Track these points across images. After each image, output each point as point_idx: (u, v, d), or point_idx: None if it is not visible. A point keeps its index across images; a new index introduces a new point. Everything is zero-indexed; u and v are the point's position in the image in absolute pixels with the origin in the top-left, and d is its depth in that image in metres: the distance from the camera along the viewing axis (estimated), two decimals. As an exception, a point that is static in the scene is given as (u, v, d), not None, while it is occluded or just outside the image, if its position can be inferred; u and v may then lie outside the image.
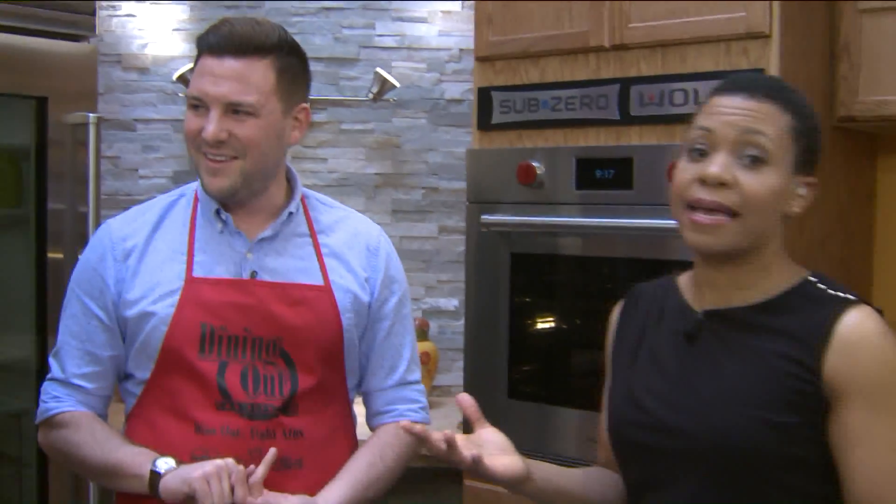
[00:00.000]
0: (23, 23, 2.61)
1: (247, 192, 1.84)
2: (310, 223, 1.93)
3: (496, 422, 2.77)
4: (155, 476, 1.71)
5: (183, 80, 3.34)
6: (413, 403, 1.99)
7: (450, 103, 3.53)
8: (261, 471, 1.70)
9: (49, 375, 1.89)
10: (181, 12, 3.47)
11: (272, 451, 1.74)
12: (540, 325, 2.88)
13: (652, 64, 2.61)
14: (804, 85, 2.53)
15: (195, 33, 3.42)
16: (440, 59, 3.52)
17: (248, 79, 1.77)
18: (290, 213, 1.90)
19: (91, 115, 2.66)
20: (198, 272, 1.83)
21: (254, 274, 1.84)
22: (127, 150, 3.43)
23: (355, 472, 1.84)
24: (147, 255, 1.85)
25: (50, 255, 2.69)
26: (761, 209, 1.47)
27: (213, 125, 1.76)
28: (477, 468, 1.51)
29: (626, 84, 2.64)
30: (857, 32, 2.62)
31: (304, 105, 1.90)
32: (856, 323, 1.45)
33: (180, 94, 3.43)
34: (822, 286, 1.52)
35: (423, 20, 3.52)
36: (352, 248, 1.94)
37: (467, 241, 2.91)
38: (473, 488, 2.86)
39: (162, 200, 1.94)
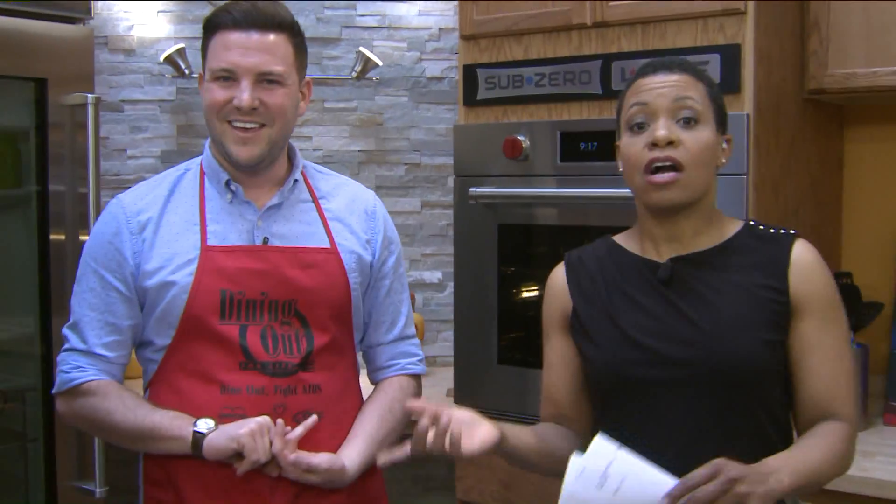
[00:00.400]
0: (22, 6, 2.66)
1: (268, 160, 1.95)
2: (311, 190, 2.04)
3: (486, 387, 2.92)
4: (198, 437, 1.82)
5: (170, 61, 3.40)
6: (412, 357, 2.15)
7: (430, 81, 3.62)
8: (299, 430, 1.84)
9: (67, 346, 1.96)
10: (165, -5, 3.53)
11: (313, 417, 1.87)
12: (526, 294, 2.98)
13: (632, 40, 2.72)
14: (778, 59, 2.66)
15: (180, 15, 3.49)
16: (420, 38, 3.61)
17: (276, 51, 1.89)
18: (295, 181, 2.00)
19: (90, 95, 2.72)
20: (212, 241, 1.92)
21: (266, 240, 1.95)
22: (115, 131, 3.49)
23: (369, 428, 1.98)
24: (162, 227, 1.94)
25: (51, 236, 2.75)
26: (703, 161, 1.72)
27: (247, 93, 1.87)
28: (457, 452, 1.62)
29: (607, 60, 2.74)
30: (826, 9, 2.74)
31: (308, 79, 2.03)
32: (805, 251, 1.76)
33: (167, 75, 3.49)
34: (763, 227, 1.81)
35: (402, 0, 3.60)
36: (352, 213, 2.06)
37: (455, 214, 3.01)
38: (465, 452, 2.98)
39: (169, 175, 2.03)
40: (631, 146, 1.75)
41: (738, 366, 1.69)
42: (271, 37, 1.89)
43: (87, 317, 1.95)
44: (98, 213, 2.72)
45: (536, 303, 2.95)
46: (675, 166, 1.70)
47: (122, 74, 3.50)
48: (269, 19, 1.89)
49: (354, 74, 3.51)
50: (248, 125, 1.90)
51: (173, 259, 1.91)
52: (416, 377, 2.15)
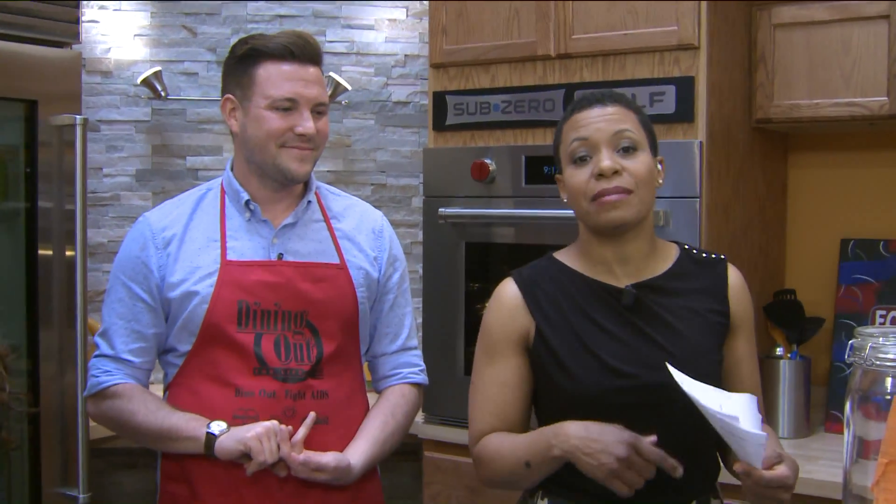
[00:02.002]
0: (13, 30, 2.75)
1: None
2: (323, 210, 2.19)
3: (453, 397, 3.06)
4: (210, 438, 1.95)
5: (147, 83, 3.52)
6: (414, 367, 2.27)
7: (396, 105, 3.77)
8: (302, 431, 1.98)
9: (97, 353, 2.10)
10: (142, 19, 3.64)
11: (311, 415, 2.01)
12: (492, 309, 3.14)
13: (594, 71, 2.90)
14: (728, 91, 2.86)
15: (156, 39, 3.62)
16: (387, 64, 3.76)
17: (322, 83, 2.08)
18: (309, 202, 2.15)
19: (78, 116, 2.82)
20: (231, 256, 2.06)
21: (280, 256, 2.09)
22: (91, 150, 3.56)
23: (373, 431, 2.11)
24: (185, 242, 2.08)
25: (39, 252, 2.84)
26: (646, 183, 1.83)
27: (311, 122, 2.03)
28: None
29: (570, 89, 2.92)
30: (771, 44, 2.95)
31: None
32: (736, 275, 1.95)
33: (143, 97, 3.60)
34: (696, 252, 1.96)
35: (370, 27, 3.75)
36: (360, 232, 2.20)
37: (424, 233, 3.17)
38: (432, 459, 3.12)
39: (192, 195, 2.17)
40: (576, 177, 1.84)
41: None
42: (318, 70, 2.07)
43: (116, 325, 2.08)
44: (85, 230, 2.85)
45: (501, 317, 3.12)
46: (624, 191, 1.81)
47: (99, 95, 3.60)
48: (316, 52, 2.07)
49: (324, 98, 3.65)
50: (305, 148, 2.05)
51: (195, 272, 2.05)
52: (418, 386, 2.27)
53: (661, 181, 1.90)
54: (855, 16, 2.81)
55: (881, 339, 1.33)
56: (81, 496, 2.87)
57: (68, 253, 2.87)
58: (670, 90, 2.75)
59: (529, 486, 1.90)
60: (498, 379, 1.90)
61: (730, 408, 1.63)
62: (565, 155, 1.87)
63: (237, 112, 2.08)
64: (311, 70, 2.05)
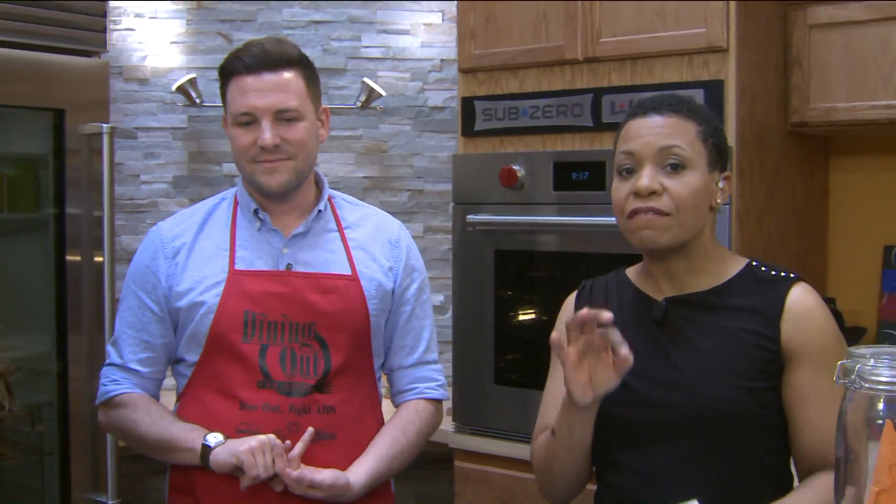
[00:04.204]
0: (41, 40, 2.80)
1: (296, 187, 2.07)
2: (337, 220, 2.15)
3: (483, 406, 3.03)
4: (206, 449, 1.93)
5: (182, 90, 3.54)
6: (432, 382, 2.20)
7: (433, 110, 3.75)
8: (299, 447, 1.93)
9: (107, 361, 2.11)
10: (178, 26, 3.67)
11: (310, 430, 1.96)
12: (522, 317, 3.10)
13: (622, 75, 2.85)
14: (760, 94, 2.78)
15: (191, 46, 3.64)
16: (423, 68, 3.74)
17: (288, 87, 2.01)
18: (320, 211, 2.11)
19: (105, 125, 2.85)
20: (239, 266, 2.05)
21: (289, 266, 2.06)
22: (129, 157, 3.62)
23: (380, 448, 2.06)
24: (194, 252, 2.07)
25: (68, 258, 2.88)
26: (689, 207, 1.71)
27: (268, 133, 1.99)
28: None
29: (598, 94, 2.87)
30: (807, 45, 2.86)
31: (325, 106, 2.14)
32: (801, 297, 1.74)
33: (179, 104, 3.63)
34: (765, 269, 1.80)
35: (406, 32, 3.74)
36: (375, 242, 2.15)
37: (454, 240, 3.13)
38: (463, 469, 3.09)
39: (206, 204, 2.16)
40: (618, 191, 1.76)
41: (715, 412, 1.68)
42: (283, 75, 2.00)
43: (125, 334, 2.09)
44: (113, 236, 2.88)
45: (532, 326, 3.08)
46: (659, 213, 1.71)
47: (136, 103, 3.64)
48: (278, 58, 2.00)
49: (359, 104, 3.65)
50: (273, 159, 2.01)
51: (202, 281, 2.04)
52: (435, 402, 2.21)
53: (719, 200, 1.77)
54: (894, 15, 2.72)
55: (872, 360, 1.26)
56: (111, 502, 2.90)
57: (97, 259, 2.90)
58: (699, 94, 2.68)
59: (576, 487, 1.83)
60: (553, 387, 1.91)
61: None
62: (615, 165, 1.79)
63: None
64: (269, 78, 2.00)
